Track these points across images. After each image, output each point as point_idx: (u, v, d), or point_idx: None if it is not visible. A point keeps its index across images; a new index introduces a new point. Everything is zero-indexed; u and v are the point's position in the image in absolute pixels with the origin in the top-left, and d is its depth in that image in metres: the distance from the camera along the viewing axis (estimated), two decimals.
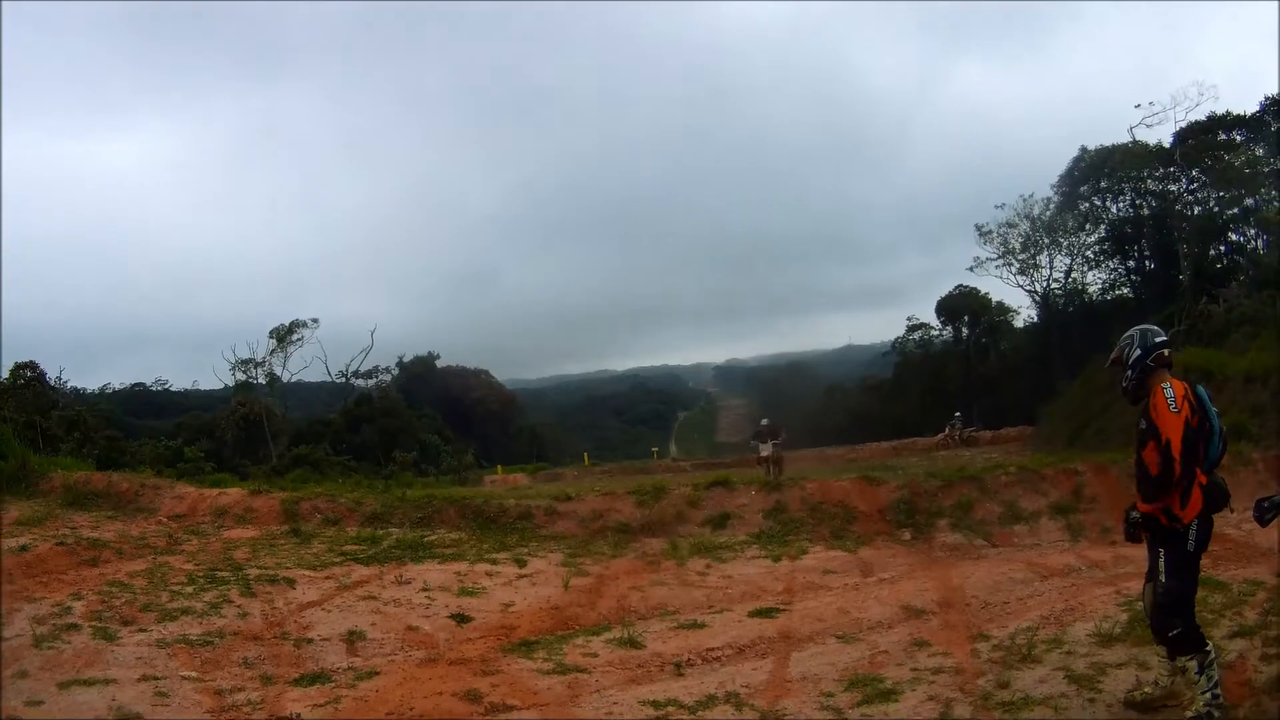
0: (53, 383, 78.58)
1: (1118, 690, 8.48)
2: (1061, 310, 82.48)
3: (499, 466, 63.09)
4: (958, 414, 56.63)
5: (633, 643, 11.46)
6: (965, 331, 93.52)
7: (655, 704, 9.35)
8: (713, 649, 11.11)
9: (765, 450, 34.68)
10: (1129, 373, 7.91)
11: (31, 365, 73.93)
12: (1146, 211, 76.66)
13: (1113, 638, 9.98)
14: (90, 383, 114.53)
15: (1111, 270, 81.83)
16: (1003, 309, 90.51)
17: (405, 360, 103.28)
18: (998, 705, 8.49)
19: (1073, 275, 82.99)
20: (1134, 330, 8.06)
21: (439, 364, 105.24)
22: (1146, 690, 8.19)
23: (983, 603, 12.36)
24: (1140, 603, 9.32)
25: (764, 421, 37.01)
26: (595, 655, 11.13)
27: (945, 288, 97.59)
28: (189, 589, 14.86)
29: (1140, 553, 8.86)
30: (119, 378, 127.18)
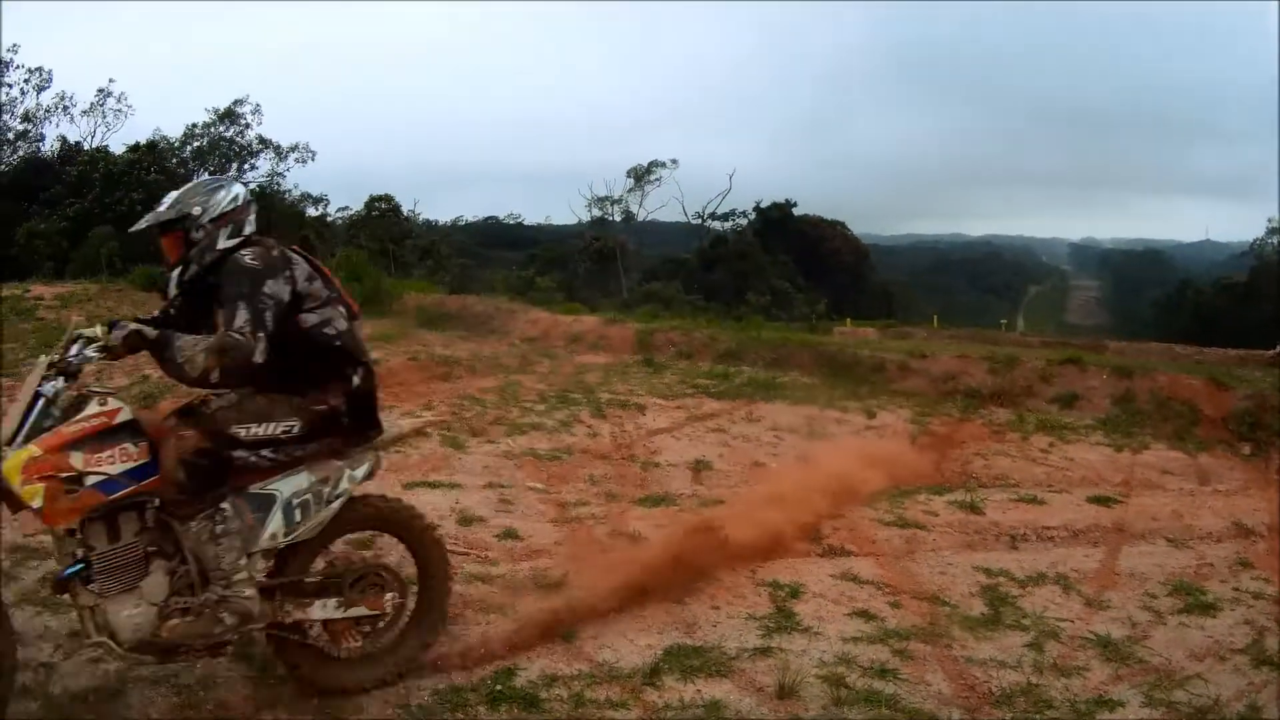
0: (406, 214, 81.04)
1: None
2: None
3: (848, 319, 62.77)
4: None
5: (973, 508, 11.58)
6: None
7: (988, 571, 9.55)
8: (1049, 527, 11.16)
9: None
10: None
11: (387, 198, 76.62)
12: None
13: None
14: (443, 215, 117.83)
15: None
16: None
17: (762, 205, 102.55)
18: None
19: None
20: None
21: (795, 212, 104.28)
22: None
23: None
24: None
25: None
26: (935, 514, 11.31)
27: None
28: (540, 407, 15.58)
29: None
30: (471, 211, 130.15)
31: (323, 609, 6.30)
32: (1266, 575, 10.18)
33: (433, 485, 11.07)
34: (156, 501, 5.67)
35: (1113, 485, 13.49)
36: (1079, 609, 8.86)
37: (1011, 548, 10.56)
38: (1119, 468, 14.49)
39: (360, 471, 6.39)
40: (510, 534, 9.67)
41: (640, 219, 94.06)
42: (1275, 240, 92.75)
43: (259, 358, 5.53)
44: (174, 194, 6.04)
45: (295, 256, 6.04)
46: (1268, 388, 17.68)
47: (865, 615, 8.10)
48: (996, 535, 10.85)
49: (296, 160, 71.10)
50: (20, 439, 5.33)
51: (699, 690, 6.69)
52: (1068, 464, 14.50)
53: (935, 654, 7.46)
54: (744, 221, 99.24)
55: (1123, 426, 16.79)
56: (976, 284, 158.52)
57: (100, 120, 70.70)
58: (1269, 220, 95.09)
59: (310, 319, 5.95)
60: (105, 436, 5.53)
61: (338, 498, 6.26)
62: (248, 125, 69.20)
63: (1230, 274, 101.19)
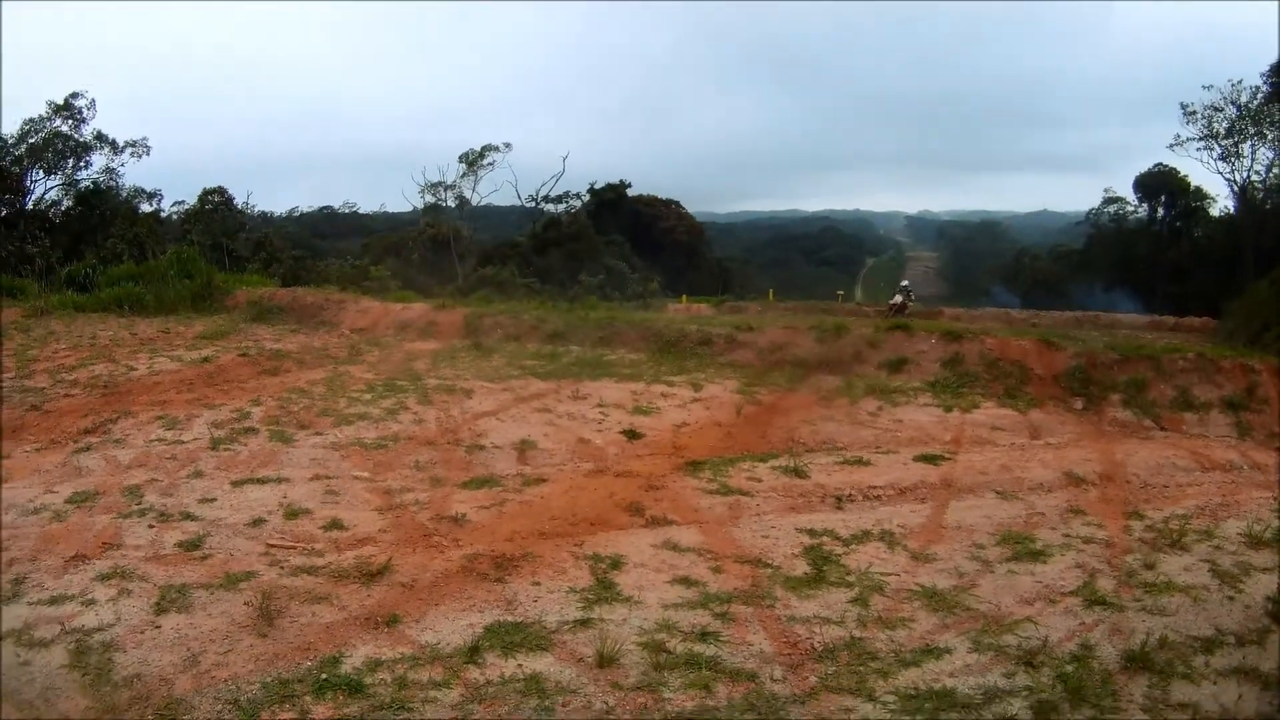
0: (240, 207, 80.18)
1: (1257, 594, 8.35)
2: (1259, 205, 79.13)
3: (683, 296, 62.78)
4: (905, 282, 53.20)
5: (797, 472, 11.64)
6: (1160, 212, 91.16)
7: (811, 532, 9.58)
8: (875, 487, 11.27)
9: None
10: None
11: (220, 190, 75.40)
12: None
13: (1262, 541, 9.80)
14: (278, 206, 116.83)
15: None
16: (1200, 194, 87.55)
17: (596, 187, 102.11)
18: (1140, 584, 8.51)
19: (1274, 170, 79.32)
20: None
21: (630, 193, 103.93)
22: None
23: (1142, 482, 12.21)
24: None
25: None
26: (759, 480, 11.36)
27: (1143, 164, 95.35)
28: (367, 396, 15.49)
29: None
30: (307, 201, 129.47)
31: None
32: (1098, 520, 10.42)
33: (260, 481, 10.96)
34: None
35: (941, 444, 13.67)
36: (905, 563, 8.92)
37: (836, 508, 10.59)
38: (948, 427, 14.69)
39: None
40: (336, 524, 9.57)
41: (475, 204, 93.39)
42: (1111, 210, 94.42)
43: None
44: None
45: None
46: (1100, 347, 17.96)
47: (686, 582, 8.09)
48: (821, 497, 10.89)
49: (132, 155, 69.61)
50: None
51: (520, 665, 6.63)
52: (896, 425, 14.66)
53: (757, 615, 7.45)
54: (578, 203, 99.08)
55: (952, 388, 17.06)
56: (813, 258, 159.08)
57: None
58: (1105, 190, 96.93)
59: None
60: None
61: None
62: (83, 120, 67.73)
63: (1066, 242, 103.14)
